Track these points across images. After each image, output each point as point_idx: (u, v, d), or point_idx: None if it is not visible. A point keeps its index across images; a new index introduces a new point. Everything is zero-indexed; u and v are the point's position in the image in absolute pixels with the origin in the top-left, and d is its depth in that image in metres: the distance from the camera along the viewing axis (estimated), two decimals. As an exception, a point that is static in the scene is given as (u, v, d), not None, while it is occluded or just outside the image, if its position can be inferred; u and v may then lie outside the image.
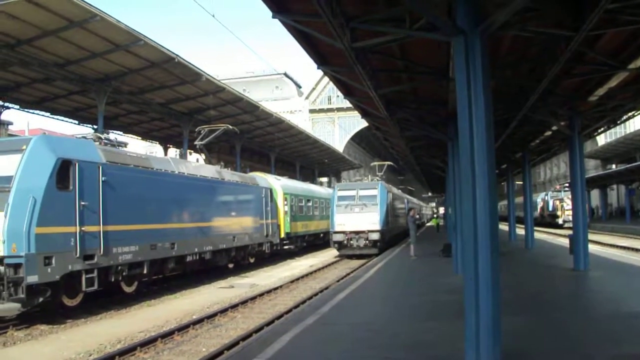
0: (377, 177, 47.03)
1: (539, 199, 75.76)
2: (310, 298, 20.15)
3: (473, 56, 8.38)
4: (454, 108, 14.89)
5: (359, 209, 37.90)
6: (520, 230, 41.80)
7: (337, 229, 37.74)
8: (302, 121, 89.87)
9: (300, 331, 12.24)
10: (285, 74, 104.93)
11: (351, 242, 37.42)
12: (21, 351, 13.90)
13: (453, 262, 22.40)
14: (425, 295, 17.21)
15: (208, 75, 33.66)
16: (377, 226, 37.31)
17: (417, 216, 58.21)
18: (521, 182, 40.82)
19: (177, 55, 29.58)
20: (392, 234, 44.04)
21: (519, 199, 49.39)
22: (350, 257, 37.77)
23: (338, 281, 23.99)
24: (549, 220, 69.51)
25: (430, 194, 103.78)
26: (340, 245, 37.79)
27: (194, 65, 31.67)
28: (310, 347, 10.96)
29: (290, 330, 12.27)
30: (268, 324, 15.85)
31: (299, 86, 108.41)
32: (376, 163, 54.79)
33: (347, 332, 12.30)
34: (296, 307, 18.51)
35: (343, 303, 16.19)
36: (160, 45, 28.27)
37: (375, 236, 37.06)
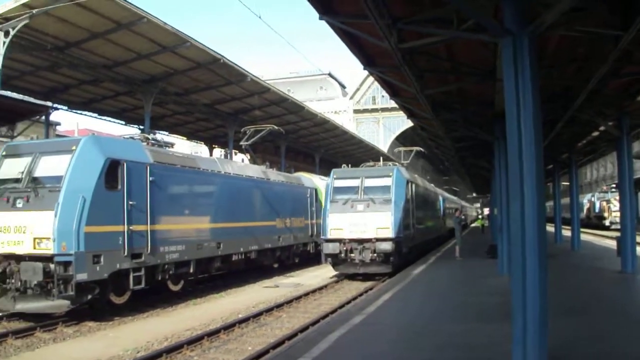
0: (397, 163, 35.86)
1: (586, 200, 74.62)
2: (355, 298, 20.19)
3: (521, 57, 8.34)
4: (500, 108, 14.81)
5: (363, 206, 26.32)
6: (566, 232, 41.13)
7: (330, 235, 26.30)
8: (347, 121, 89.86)
9: (346, 331, 12.28)
10: (330, 74, 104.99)
11: (351, 255, 25.78)
12: (70, 347, 14.13)
13: (498, 263, 22.27)
14: (470, 296, 17.13)
15: (253, 76, 33.83)
16: (390, 232, 25.40)
17: (463, 217, 57.22)
18: (567, 183, 40.32)
19: (223, 56, 29.79)
20: (417, 242, 31.42)
21: (565, 200, 48.78)
22: (353, 277, 26.89)
23: (383, 281, 24.00)
24: (596, 221, 68.33)
25: (474, 194, 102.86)
26: (335, 260, 26.54)
27: (239, 66, 31.85)
28: (356, 347, 10.98)
29: (335, 330, 12.31)
30: (313, 323, 15.89)
31: (343, 86, 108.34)
32: (401, 149, 45.86)
33: (392, 332, 12.33)
34: (341, 307, 18.55)
35: (388, 303, 16.20)
36: (206, 47, 28.51)
37: (386, 247, 24.97)
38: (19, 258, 15.87)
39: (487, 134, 21.33)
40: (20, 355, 13.44)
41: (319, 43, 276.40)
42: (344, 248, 25.81)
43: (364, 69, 16.15)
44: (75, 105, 36.83)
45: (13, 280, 15.93)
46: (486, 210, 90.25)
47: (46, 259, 15.53)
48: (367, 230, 25.77)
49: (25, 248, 15.88)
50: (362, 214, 26.20)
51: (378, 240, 25.37)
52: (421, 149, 43.33)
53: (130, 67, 30.06)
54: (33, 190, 16.32)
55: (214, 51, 29.23)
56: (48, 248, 15.61)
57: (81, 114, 38.66)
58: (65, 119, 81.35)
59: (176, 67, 30.61)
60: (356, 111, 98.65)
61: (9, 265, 15.98)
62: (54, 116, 38.46)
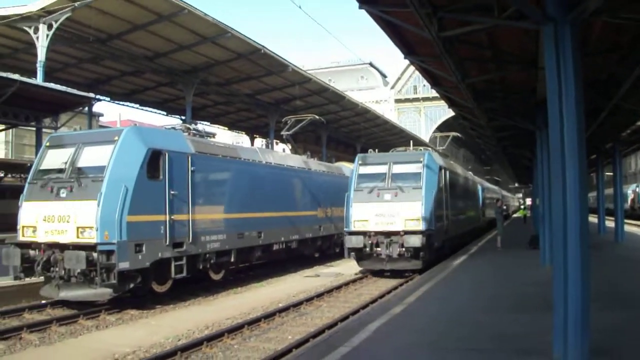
0: (429, 148, 32.51)
1: (630, 190, 73.33)
2: (395, 288, 20.17)
3: (563, 45, 8.23)
4: (542, 97, 14.66)
5: (390, 195, 23.91)
6: (610, 223, 40.43)
7: (354, 227, 23.97)
8: (388, 111, 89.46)
9: (386, 321, 12.26)
10: (371, 64, 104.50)
11: (377, 249, 23.45)
12: (113, 334, 14.33)
13: (540, 254, 22.08)
14: (511, 287, 16.98)
15: (294, 65, 33.89)
16: (420, 224, 23.03)
17: (504, 207, 56.48)
18: (611, 173, 39.72)
19: (264, 46, 29.89)
20: (452, 235, 28.67)
21: (609, 191, 48.06)
22: (379, 273, 24.66)
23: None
24: (640, 213, 67.34)
25: (516, 184, 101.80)
26: (359, 255, 24.13)
27: (280, 56, 31.93)
28: (395, 337, 10.94)
29: (375, 320, 12.31)
30: (353, 313, 15.90)
31: (384, 76, 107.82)
32: (438, 134, 44.74)
33: (432, 322, 12.27)
34: (382, 296, 18.55)
35: (428, 293, 16.14)
36: (247, 37, 28.62)
37: (416, 241, 22.44)
38: (62, 247, 16.10)
39: (529, 123, 21.09)
40: (64, 341, 13.67)
41: (359, 32, 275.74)
42: (369, 242, 23.34)
43: (405, 58, 16.07)
44: (117, 96, 37.29)
45: (57, 269, 16.18)
46: (528, 201, 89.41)
47: (89, 247, 15.72)
48: (395, 222, 23.28)
49: (68, 237, 16.12)
50: (389, 204, 23.68)
51: (407, 233, 22.71)
52: (458, 134, 42.91)
53: (172, 58, 30.32)
54: (76, 180, 16.54)
55: (255, 41, 29.33)
56: (91, 237, 15.82)
57: (123, 105, 39.22)
58: (108, 110, 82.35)
59: (217, 57, 30.79)
60: (397, 101, 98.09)
61: (53, 254, 16.22)
62: (97, 107, 39.01)
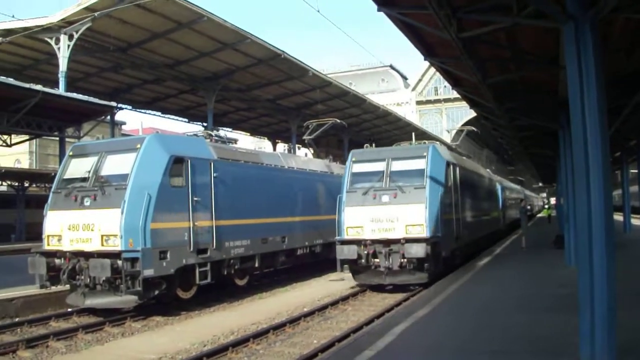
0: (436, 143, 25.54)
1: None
2: (420, 290, 20.09)
3: (584, 42, 8.16)
4: (564, 96, 14.53)
5: (388, 196, 20.65)
6: (636, 221, 39.99)
7: (347, 235, 20.83)
8: (409, 113, 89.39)
9: (411, 324, 12.22)
10: (391, 66, 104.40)
11: (375, 260, 20.19)
12: (138, 341, 14.37)
13: (565, 254, 21.90)
14: (536, 287, 16.88)
15: (314, 70, 33.97)
16: (424, 230, 19.88)
17: (528, 207, 55.88)
18: (636, 171, 39.42)
19: (283, 51, 29.99)
20: (465, 242, 25.29)
21: (634, 188, 47.61)
22: (378, 288, 21.14)
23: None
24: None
25: (540, 184, 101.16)
26: (353, 267, 21.10)
27: (300, 61, 32.01)
28: (420, 340, 10.91)
29: (400, 323, 12.27)
30: (378, 316, 15.85)
31: (405, 78, 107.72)
32: (455, 128, 40.96)
33: (458, 324, 12.23)
34: (406, 299, 18.48)
35: (454, 295, 16.10)
36: (266, 43, 28.75)
37: (419, 251, 19.08)
38: (87, 255, 16.17)
39: (551, 123, 20.97)
40: (91, 349, 13.73)
41: (379, 35, 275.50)
42: (365, 252, 20.06)
43: (425, 59, 16.04)
44: (139, 104, 37.59)
45: (82, 277, 16.25)
46: (552, 200, 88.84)
47: (114, 255, 15.77)
48: (395, 228, 20.10)
49: (93, 245, 16.20)
50: (387, 207, 20.46)
51: (408, 241, 19.44)
52: (473, 128, 41.33)
53: (192, 65, 30.51)
54: (100, 189, 16.61)
55: (275, 47, 29.44)
56: (115, 245, 15.89)
57: (145, 112, 39.55)
58: (130, 118, 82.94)
59: (237, 63, 30.95)
60: (419, 102, 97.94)
61: (78, 262, 16.30)
62: (119, 116, 39.39)
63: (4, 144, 29.84)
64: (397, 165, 21.40)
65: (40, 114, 23.15)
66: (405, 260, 19.63)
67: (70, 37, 24.36)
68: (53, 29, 24.42)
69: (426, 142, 24.34)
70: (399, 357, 9.75)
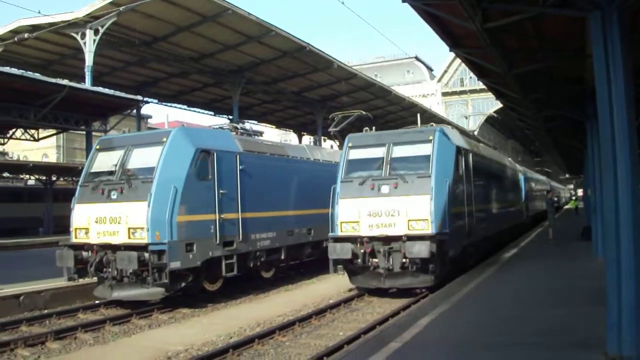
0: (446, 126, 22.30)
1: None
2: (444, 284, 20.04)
3: (611, 32, 8.06)
4: (591, 86, 14.43)
5: (388, 187, 17.92)
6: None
7: (341, 232, 18.28)
8: (435, 104, 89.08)
9: (436, 316, 12.18)
10: (416, 58, 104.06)
11: (374, 260, 17.57)
12: (165, 333, 14.45)
13: (593, 246, 21.71)
14: (564, 279, 16.76)
15: (339, 62, 33.93)
16: (429, 226, 17.16)
17: (555, 198, 55.20)
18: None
19: (308, 43, 29.98)
20: (479, 238, 22.12)
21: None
22: (378, 292, 18.56)
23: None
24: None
25: (567, 175, 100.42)
26: (349, 267, 18.31)
27: (325, 53, 31.99)
28: (446, 332, 10.88)
29: (427, 315, 12.23)
30: (405, 308, 15.81)
31: (430, 69, 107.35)
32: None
33: (483, 316, 12.16)
34: (432, 292, 18.42)
35: (481, 287, 16.06)
36: (291, 35, 28.75)
37: (422, 250, 16.46)
38: (114, 248, 16.27)
39: (578, 113, 20.80)
40: (118, 340, 13.83)
41: (404, 26, 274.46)
42: (361, 250, 17.44)
43: (450, 50, 15.95)
44: (164, 97, 37.78)
45: (110, 270, 16.38)
46: (580, 192, 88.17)
47: (141, 248, 15.85)
48: (395, 224, 17.43)
49: (120, 238, 16.31)
50: (386, 200, 17.74)
51: (410, 238, 16.77)
52: (494, 114, 40.06)
53: (217, 59, 30.61)
54: (126, 182, 16.70)
55: (299, 39, 29.45)
56: (142, 237, 15.99)
57: (171, 106, 39.73)
58: (156, 111, 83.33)
59: (262, 56, 30.98)
60: (444, 94, 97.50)
61: (106, 255, 16.43)
62: (145, 109, 39.64)
63: (32, 139, 30.13)
64: (399, 151, 18.63)
65: (67, 108, 23.33)
66: (408, 261, 16.99)
67: (96, 32, 24.52)
68: (79, 24, 24.59)
69: (433, 124, 20.57)
70: (425, 349, 9.72)
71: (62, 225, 25.11)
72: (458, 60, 73.36)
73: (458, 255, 18.97)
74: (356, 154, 19.27)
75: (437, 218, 17.20)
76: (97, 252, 16.58)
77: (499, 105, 55.51)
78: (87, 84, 24.48)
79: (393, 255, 17.27)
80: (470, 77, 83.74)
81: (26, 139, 30.33)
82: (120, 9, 23.39)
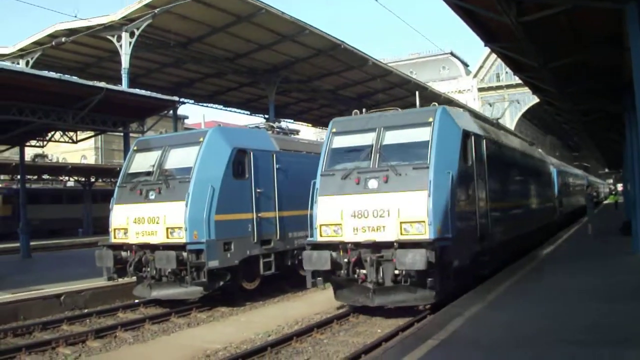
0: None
1: None
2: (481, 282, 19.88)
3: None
4: (629, 78, 14.28)
5: (377, 181, 14.78)
6: None
7: (320, 236, 15.26)
8: (471, 100, 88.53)
9: (476, 313, 12.09)
10: (452, 53, 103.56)
11: (361, 271, 14.46)
12: (204, 331, 14.57)
13: (632, 241, 21.41)
14: (603, 275, 16.50)
15: (374, 59, 33.89)
16: (425, 229, 13.95)
17: (594, 193, 54.26)
18: None
19: (343, 41, 29.97)
20: (497, 242, 18.35)
21: None
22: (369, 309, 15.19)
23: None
24: None
25: (607, 169, 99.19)
26: (332, 279, 15.30)
27: (359, 51, 31.96)
28: (486, 330, 10.76)
29: (466, 312, 12.13)
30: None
31: (466, 65, 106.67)
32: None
33: (526, 313, 12.01)
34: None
35: (523, 282, 15.95)
36: (325, 33, 28.76)
37: (416, 260, 13.23)
38: (153, 247, 16.47)
39: (615, 106, 20.59)
40: (157, 339, 13.98)
41: (439, 22, 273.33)
42: (345, 259, 14.35)
43: (485, 45, 15.94)
44: (201, 98, 38.02)
45: (148, 269, 16.56)
46: (619, 186, 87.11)
47: (179, 247, 16.03)
48: (385, 227, 14.20)
49: (158, 238, 16.49)
50: (375, 197, 14.55)
51: (403, 245, 13.59)
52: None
53: (252, 58, 30.72)
54: (164, 182, 16.86)
55: (334, 37, 29.45)
56: (180, 237, 16.16)
57: (207, 106, 39.95)
58: (193, 112, 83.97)
59: (297, 55, 31.03)
60: (480, 89, 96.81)
61: (144, 255, 16.61)
62: (182, 110, 39.95)
63: (71, 141, 30.42)
64: (392, 137, 15.32)
65: (104, 110, 23.51)
66: (402, 273, 13.81)
67: (132, 34, 24.73)
68: (115, 27, 24.84)
69: (436, 104, 16.18)
70: (464, 346, 9.66)
71: (101, 226, 25.38)
72: (494, 55, 72.86)
73: (467, 265, 15.37)
74: (341, 142, 16.16)
75: (436, 219, 13.81)
76: (136, 251, 16.79)
77: (535, 100, 55.13)
78: (124, 86, 24.71)
79: (384, 265, 13.96)
80: (507, 72, 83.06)
81: (65, 141, 30.58)
82: (156, 11, 23.57)
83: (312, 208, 15.46)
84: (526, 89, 36.85)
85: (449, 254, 14.00)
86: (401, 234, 14.01)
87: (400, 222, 14.08)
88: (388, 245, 13.89)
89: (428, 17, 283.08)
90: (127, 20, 24.41)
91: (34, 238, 35.63)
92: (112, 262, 17.09)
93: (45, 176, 57.62)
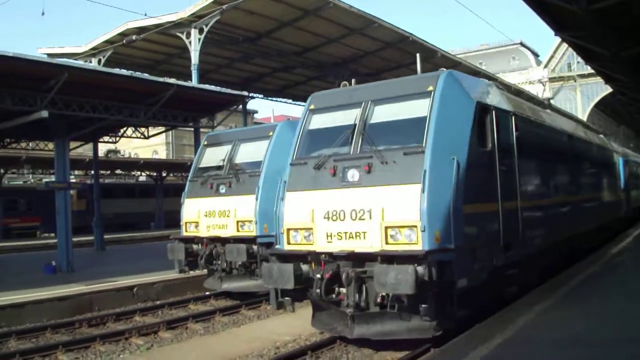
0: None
1: None
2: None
3: None
4: None
5: (358, 171, 11.06)
6: None
7: (287, 243, 11.79)
8: (541, 91, 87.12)
9: (540, 311, 11.52)
10: (521, 43, 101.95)
11: (341, 290, 10.65)
12: (274, 323, 14.75)
13: None
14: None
15: (443, 51, 33.65)
16: (417, 236, 10.06)
17: None
18: None
19: (411, 34, 29.84)
20: (533, 251, 14.19)
21: None
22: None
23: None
24: None
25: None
26: (311, 299, 11.91)
27: (428, 42, 31.77)
28: (547, 331, 10.24)
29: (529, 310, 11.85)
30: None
31: (536, 55, 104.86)
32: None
33: (590, 315, 11.37)
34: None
35: (591, 280, 15.36)
36: (394, 26, 28.67)
37: (402, 282, 9.35)
38: (224, 240, 16.65)
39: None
40: (227, 331, 14.24)
41: (508, 11, 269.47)
42: (318, 275, 10.82)
43: (555, 34, 15.68)
44: (269, 92, 38.34)
45: (219, 262, 16.77)
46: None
47: (249, 240, 16.18)
48: (367, 232, 10.69)
49: (229, 231, 16.68)
50: (354, 192, 11.03)
51: (385, 258, 10.05)
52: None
53: (320, 52, 30.80)
54: (234, 176, 17.01)
55: (402, 29, 29.34)
56: (250, 230, 16.32)
57: (276, 100, 40.18)
58: (262, 106, 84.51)
59: (365, 48, 31.02)
60: (551, 79, 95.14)
61: (215, 248, 16.84)
62: (251, 104, 40.31)
63: (142, 136, 31.02)
64: (381, 113, 11.77)
65: (175, 106, 23.88)
66: (389, 296, 10.06)
67: (201, 31, 25.04)
68: (184, 24, 25.19)
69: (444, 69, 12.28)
70: (528, 345, 9.41)
71: (173, 220, 25.80)
72: (565, 45, 71.58)
73: (484, 282, 11.42)
74: (320, 122, 12.67)
75: (433, 223, 10.10)
76: (207, 244, 17.02)
77: (608, 89, 53.93)
78: (194, 82, 25.06)
79: (367, 284, 10.50)
80: (578, 62, 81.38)
81: (137, 137, 31.23)
82: (224, 7, 23.80)
83: (276, 212, 12.22)
84: (599, 79, 36.22)
85: (451, 270, 10.19)
86: (387, 242, 10.39)
87: (385, 227, 10.41)
88: (370, 257, 10.32)
89: (497, 7, 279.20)
90: (196, 17, 24.71)
91: (108, 231, 36.51)
92: (184, 255, 17.21)
93: (118, 171, 58.90)
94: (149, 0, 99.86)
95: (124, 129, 29.73)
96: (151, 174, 56.12)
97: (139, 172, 59.52)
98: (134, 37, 25.28)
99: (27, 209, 50.99)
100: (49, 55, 28.26)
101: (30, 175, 62.91)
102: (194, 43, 25.20)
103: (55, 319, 15.65)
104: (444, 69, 12.16)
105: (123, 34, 26.81)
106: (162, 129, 32.82)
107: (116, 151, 59.71)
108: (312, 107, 12.92)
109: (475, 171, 11.15)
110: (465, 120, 11.29)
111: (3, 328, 14.79)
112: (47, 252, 29.58)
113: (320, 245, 11.13)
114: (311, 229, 11.35)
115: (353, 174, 11.06)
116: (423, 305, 9.94)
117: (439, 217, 10.16)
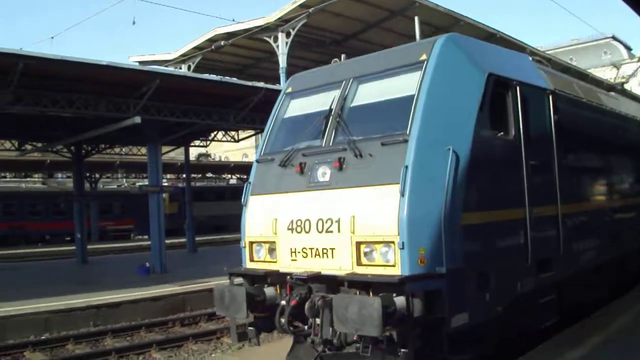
0: None
1: None
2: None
3: None
4: None
5: (328, 167, 8.30)
6: None
7: (249, 260, 9.48)
8: (636, 86, 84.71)
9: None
10: (613, 37, 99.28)
11: (316, 321, 7.54)
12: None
13: None
14: None
15: (531, 47, 33.22)
16: (396, 257, 7.19)
17: None
18: None
19: (498, 31, 29.57)
20: (573, 271, 10.30)
21: None
22: None
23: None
24: None
25: None
26: (289, 334, 8.39)
27: (516, 39, 31.42)
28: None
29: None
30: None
31: (629, 48, 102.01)
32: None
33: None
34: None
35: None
36: (480, 23, 28.46)
37: (365, 319, 6.56)
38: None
39: None
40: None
41: (599, 4, 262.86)
42: (282, 301, 8.25)
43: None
44: (357, 96, 38.41)
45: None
46: None
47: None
48: (335, 249, 7.91)
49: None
50: (321, 196, 8.37)
51: (352, 284, 7.41)
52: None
53: (407, 51, 30.72)
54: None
55: (489, 27, 29.14)
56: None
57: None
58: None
59: (452, 46, 30.80)
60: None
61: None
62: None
63: (232, 140, 31.51)
64: (364, 94, 9.08)
65: (263, 109, 24.13)
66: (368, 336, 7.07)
67: (288, 34, 25.34)
68: (271, 28, 25.53)
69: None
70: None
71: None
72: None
73: (481, 324, 8.01)
74: (297, 108, 10.22)
75: (416, 238, 7.32)
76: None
77: None
78: (282, 85, 25.41)
79: (338, 311, 7.19)
80: (674, 55, 78.92)
81: (227, 141, 31.78)
82: (310, 10, 24.03)
83: (243, 219, 10.01)
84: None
85: (442, 303, 7.30)
86: (360, 262, 7.72)
87: (357, 242, 7.72)
88: (338, 281, 7.67)
89: (587, 0, 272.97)
90: (283, 21, 25.03)
91: (199, 234, 37.17)
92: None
93: (208, 174, 59.86)
94: (236, 6, 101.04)
95: (215, 132, 30.28)
96: (241, 176, 56.88)
97: (229, 175, 60.36)
98: (222, 42, 25.77)
99: (121, 212, 52.51)
100: (140, 62, 29.08)
101: (124, 179, 64.64)
102: (282, 47, 25.52)
103: (150, 318, 16.14)
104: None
105: (211, 40, 27.35)
106: (252, 132, 33.29)
107: (207, 155, 60.80)
108: (289, 89, 10.67)
109: (483, 166, 8.24)
110: (469, 98, 8.32)
111: (99, 326, 15.32)
112: (141, 253, 30.41)
113: (284, 264, 8.69)
114: (274, 242, 8.91)
115: (324, 172, 8.47)
116: (402, 350, 7.14)
117: (425, 229, 7.38)
